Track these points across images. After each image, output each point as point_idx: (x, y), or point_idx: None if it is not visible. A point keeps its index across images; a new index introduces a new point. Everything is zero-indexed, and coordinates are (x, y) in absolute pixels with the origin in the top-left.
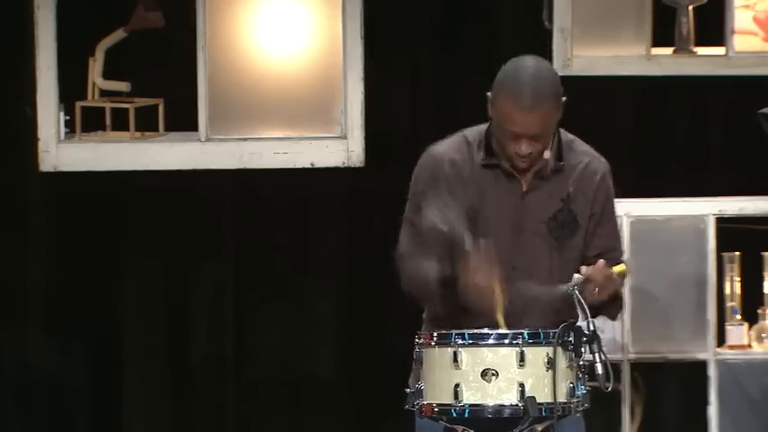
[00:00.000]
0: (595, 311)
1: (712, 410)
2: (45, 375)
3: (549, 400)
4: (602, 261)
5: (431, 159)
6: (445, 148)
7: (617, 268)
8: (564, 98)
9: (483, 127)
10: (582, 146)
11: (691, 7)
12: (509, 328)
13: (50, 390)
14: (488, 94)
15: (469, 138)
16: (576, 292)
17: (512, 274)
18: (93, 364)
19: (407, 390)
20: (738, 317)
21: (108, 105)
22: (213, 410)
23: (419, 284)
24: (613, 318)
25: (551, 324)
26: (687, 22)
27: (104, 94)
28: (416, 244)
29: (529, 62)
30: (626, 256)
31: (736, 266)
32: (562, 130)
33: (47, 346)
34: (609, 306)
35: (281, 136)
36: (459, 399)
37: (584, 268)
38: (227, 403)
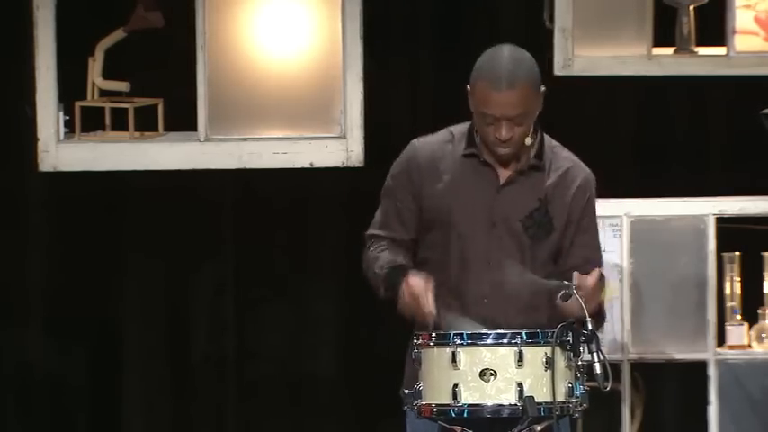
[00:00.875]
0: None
1: (712, 410)
2: (45, 375)
3: (548, 399)
4: (595, 272)
5: (408, 152)
6: (427, 140)
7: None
8: (543, 88)
9: (469, 123)
10: (565, 152)
11: (692, 7)
12: (486, 324)
13: (50, 390)
14: (468, 86)
15: (454, 132)
16: (575, 290)
17: (486, 267)
18: (93, 364)
19: (406, 390)
20: (738, 317)
21: (107, 105)
22: (213, 410)
23: (370, 277)
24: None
25: (530, 321)
26: (688, 21)
27: (104, 94)
28: (384, 227)
29: (504, 48)
30: (605, 270)
31: (737, 266)
32: (547, 136)
33: (47, 346)
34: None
35: (280, 136)
36: (458, 399)
37: (576, 275)
38: (227, 403)
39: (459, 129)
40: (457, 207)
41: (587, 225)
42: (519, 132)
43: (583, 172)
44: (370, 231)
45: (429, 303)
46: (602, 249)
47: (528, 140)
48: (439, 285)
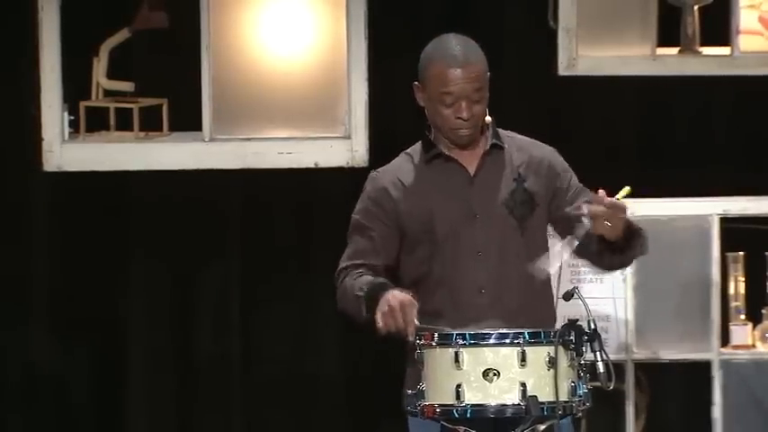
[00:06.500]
0: (622, 252)
1: (716, 411)
2: (49, 375)
3: (551, 399)
4: (600, 192)
5: (369, 184)
6: (385, 167)
7: (622, 193)
8: (488, 73)
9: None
10: (520, 136)
11: (696, 7)
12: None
13: (54, 390)
14: (415, 83)
15: (410, 151)
16: (577, 292)
17: (477, 258)
18: (98, 365)
19: (408, 391)
20: (742, 317)
21: (112, 105)
22: (217, 411)
23: (349, 305)
24: (643, 252)
25: (531, 302)
26: (692, 21)
27: (108, 93)
28: (358, 257)
29: (449, 35)
30: None
31: (741, 266)
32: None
33: (51, 346)
34: (633, 241)
35: (285, 136)
36: (461, 399)
37: (584, 206)
38: (232, 404)
39: (414, 147)
40: (437, 211)
41: (575, 184)
42: (477, 111)
43: (544, 149)
44: (342, 265)
45: (412, 314)
46: None
47: (488, 119)
48: (433, 294)
